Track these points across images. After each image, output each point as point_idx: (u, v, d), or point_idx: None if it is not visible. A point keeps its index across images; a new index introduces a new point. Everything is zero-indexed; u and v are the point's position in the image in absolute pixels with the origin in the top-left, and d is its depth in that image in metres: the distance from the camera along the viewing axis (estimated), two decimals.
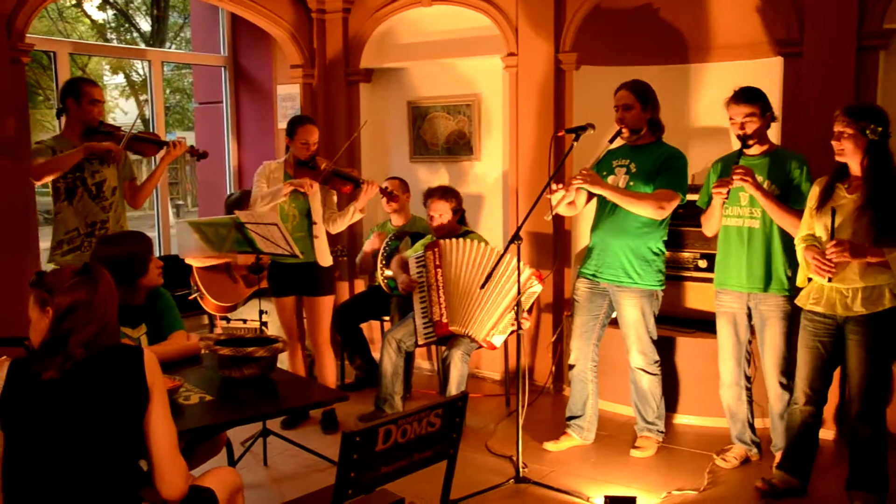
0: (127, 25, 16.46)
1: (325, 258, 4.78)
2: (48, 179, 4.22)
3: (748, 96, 3.94)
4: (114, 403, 2.23)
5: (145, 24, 16.16)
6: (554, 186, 4.10)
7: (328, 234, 4.85)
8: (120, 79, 17.39)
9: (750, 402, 4.24)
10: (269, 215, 4.36)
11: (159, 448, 2.30)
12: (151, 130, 5.68)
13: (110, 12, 16.32)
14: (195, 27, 7.44)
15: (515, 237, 4.00)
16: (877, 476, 3.60)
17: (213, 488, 2.42)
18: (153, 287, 3.34)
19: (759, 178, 3.92)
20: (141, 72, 16.24)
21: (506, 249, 4.15)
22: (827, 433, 4.49)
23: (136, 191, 4.63)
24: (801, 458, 3.83)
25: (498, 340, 4.68)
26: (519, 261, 4.11)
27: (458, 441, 2.64)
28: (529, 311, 4.52)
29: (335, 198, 4.89)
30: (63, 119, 4.44)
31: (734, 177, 3.81)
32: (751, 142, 3.94)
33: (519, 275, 4.19)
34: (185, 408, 2.74)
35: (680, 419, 4.90)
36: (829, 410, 4.43)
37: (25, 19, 4.71)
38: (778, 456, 4.04)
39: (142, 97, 16.69)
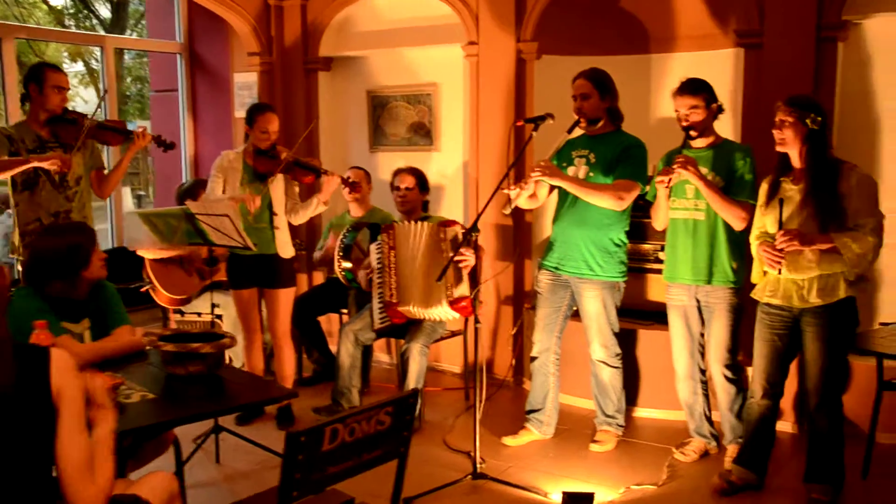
0: (86, 12, 16.13)
1: (286, 250, 4.67)
2: None
3: (692, 88, 3.92)
4: (16, 419, 1.97)
5: (105, 11, 15.85)
6: (511, 191, 4.04)
7: (292, 224, 4.74)
8: (79, 66, 17.04)
9: (706, 395, 4.20)
10: (221, 206, 4.23)
11: (62, 467, 2.01)
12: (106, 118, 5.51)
13: None
14: (150, 14, 7.26)
15: (472, 229, 3.93)
16: (833, 468, 3.59)
17: (147, 497, 2.30)
18: (96, 280, 3.21)
19: (704, 170, 3.90)
20: (100, 59, 15.93)
21: (462, 243, 4.08)
22: (785, 426, 4.48)
23: (104, 180, 4.51)
24: (758, 451, 3.80)
25: (462, 291, 4.40)
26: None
27: (408, 439, 2.55)
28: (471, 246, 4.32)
29: (297, 188, 4.78)
30: (27, 105, 4.31)
31: (675, 165, 3.79)
32: (693, 133, 3.93)
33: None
34: (126, 406, 2.63)
35: (640, 412, 4.86)
36: (787, 403, 4.43)
37: None
38: (730, 449, 4.03)
39: (101, 85, 16.40)
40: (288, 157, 4.55)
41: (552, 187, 4.30)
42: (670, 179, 3.86)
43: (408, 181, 4.88)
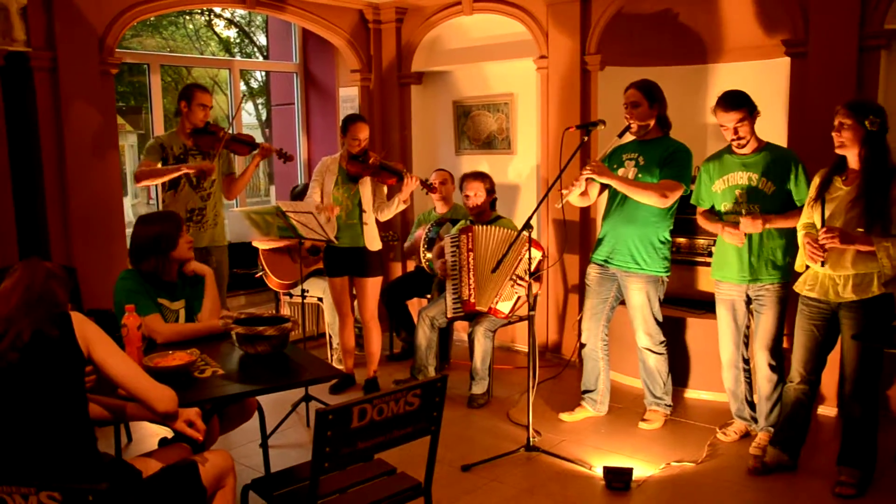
0: (247, 41, 16.79)
1: (373, 243, 4.65)
2: (145, 184, 4.33)
3: (734, 102, 3.62)
4: (57, 371, 2.06)
5: (263, 40, 16.46)
6: (563, 189, 3.94)
7: (379, 221, 4.72)
8: (242, 86, 17.72)
9: (748, 381, 3.94)
10: (306, 205, 4.25)
11: (127, 379, 2.18)
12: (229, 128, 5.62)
13: (234, 31, 16.73)
14: (272, 39, 7.39)
15: (526, 225, 3.80)
16: (865, 453, 3.31)
17: (204, 468, 2.29)
18: (185, 260, 3.23)
19: (754, 175, 3.61)
20: (259, 79, 16.55)
21: (517, 236, 3.96)
22: (827, 410, 4.15)
23: (231, 184, 4.63)
24: (792, 434, 3.54)
25: (504, 307, 4.47)
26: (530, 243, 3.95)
27: (439, 419, 2.47)
28: (536, 277, 4.19)
29: (385, 189, 4.75)
30: (180, 119, 4.50)
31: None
32: (742, 142, 3.66)
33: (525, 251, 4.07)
34: (198, 381, 2.65)
35: (690, 393, 4.61)
36: (830, 389, 4.11)
37: (115, 37, 4.70)
38: (759, 436, 3.75)
39: (258, 101, 17.06)
40: (375, 161, 4.52)
41: (602, 188, 4.12)
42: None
43: (476, 187, 4.73)
